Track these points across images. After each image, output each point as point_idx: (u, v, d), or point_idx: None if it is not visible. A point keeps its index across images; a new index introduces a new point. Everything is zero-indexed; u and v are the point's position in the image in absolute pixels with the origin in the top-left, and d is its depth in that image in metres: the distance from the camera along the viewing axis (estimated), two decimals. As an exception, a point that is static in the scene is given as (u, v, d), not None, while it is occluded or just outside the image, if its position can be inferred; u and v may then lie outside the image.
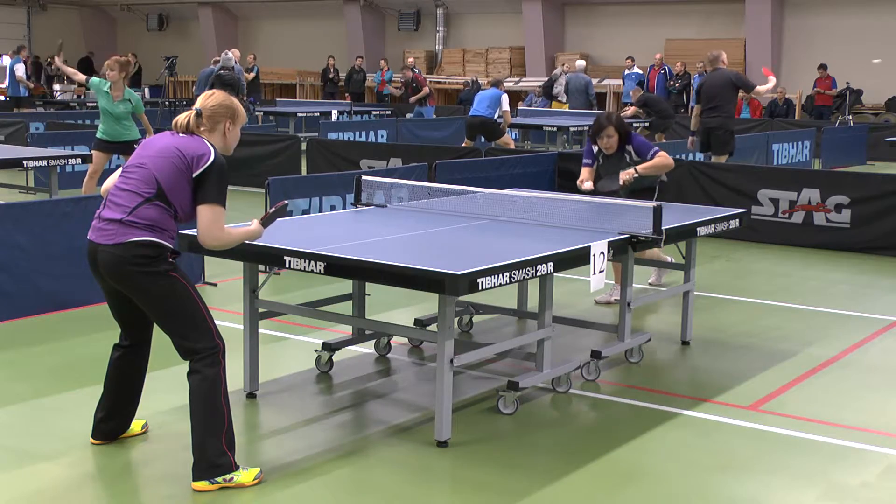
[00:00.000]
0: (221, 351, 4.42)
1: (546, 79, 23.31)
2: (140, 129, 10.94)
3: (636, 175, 7.40)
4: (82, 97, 25.37)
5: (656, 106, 18.02)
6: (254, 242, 4.96)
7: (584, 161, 7.78)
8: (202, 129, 4.47)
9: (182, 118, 4.49)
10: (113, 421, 4.82)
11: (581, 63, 21.83)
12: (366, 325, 5.97)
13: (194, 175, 4.31)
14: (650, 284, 8.36)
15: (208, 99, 4.53)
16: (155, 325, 4.58)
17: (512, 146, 15.67)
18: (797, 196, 10.72)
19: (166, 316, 4.40)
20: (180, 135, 4.45)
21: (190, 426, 4.38)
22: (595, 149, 7.67)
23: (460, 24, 30.66)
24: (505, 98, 15.36)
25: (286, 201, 4.83)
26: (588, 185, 7.58)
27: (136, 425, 4.93)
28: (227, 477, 4.36)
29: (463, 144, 15.79)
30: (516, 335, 6.84)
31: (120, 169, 4.56)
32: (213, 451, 4.34)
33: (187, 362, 4.41)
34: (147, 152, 4.44)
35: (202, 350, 4.37)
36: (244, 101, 18.61)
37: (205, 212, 4.32)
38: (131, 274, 4.31)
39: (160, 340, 4.63)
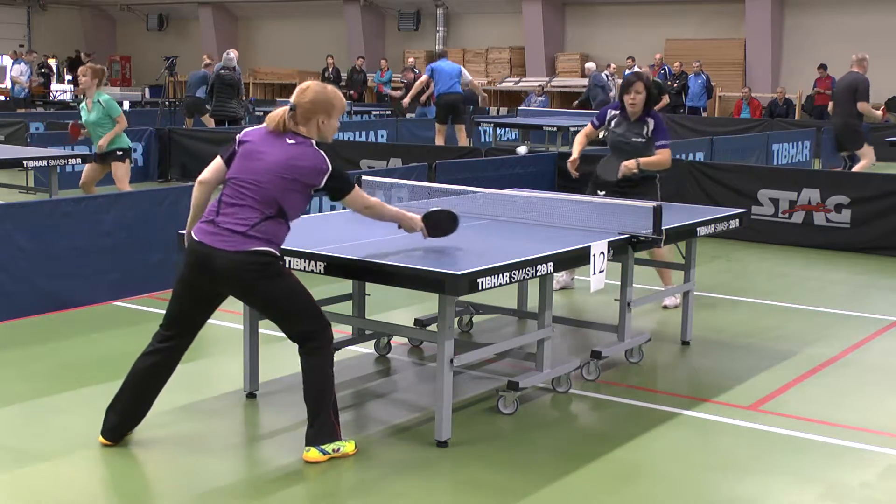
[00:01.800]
0: (329, 327, 4.69)
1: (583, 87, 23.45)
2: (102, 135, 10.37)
3: (636, 171, 7.41)
4: (82, 97, 25.37)
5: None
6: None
7: (592, 119, 7.95)
8: (298, 124, 4.57)
9: (277, 116, 4.57)
10: (130, 420, 4.79)
11: (592, 65, 22.39)
12: (366, 325, 5.97)
13: (318, 188, 4.57)
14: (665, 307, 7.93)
15: (304, 93, 4.58)
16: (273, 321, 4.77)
17: (462, 137, 15.94)
18: (797, 196, 10.71)
19: (287, 311, 4.61)
20: (290, 142, 4.55)
21: (305, 400, 4.64)
22: (611, 114, 7.72)
23: (460, 24, 30.67)
24: (465, 70, 15.76)
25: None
26: (522, 150, 8.16)
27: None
28: (335, 448, 4.64)
29: (437, 136, 15.90)
30: (516, 335, 6.84)
31: (218, 161, 4.67)
32: (326, 419, 4.61)
33: (298, 345, 4.67)
34: (261, 167, 4.51)
35: (319, 332, 4.64)
36: (244, 101, 18.61)
37: (352, 202, 4.72)
38: (252, 280, 4.50)
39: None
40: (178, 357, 4.82)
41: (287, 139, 4.56)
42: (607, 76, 21.95)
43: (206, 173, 4.72)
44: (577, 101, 23.02)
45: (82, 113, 10.23)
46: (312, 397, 4.63)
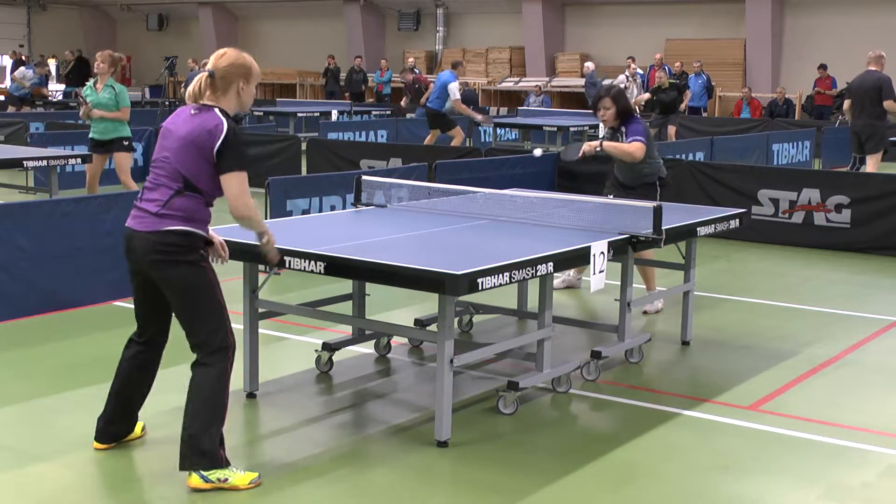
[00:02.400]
0: (232, 348, 4.48)
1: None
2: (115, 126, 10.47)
3: (599, 150, 7.45)
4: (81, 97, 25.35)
5: (665, 96, 18.23)
6: (249, 241, 5.01)
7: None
8: (217, 91, 4.43)
9: (194, 84, 4.43)
10: (120, 424, 4.79)
11: (591, 65, 22.54)
12: (366, 325, 5.97)
13: (214, 151, 4.31)
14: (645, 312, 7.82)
15: (220, 59, 4.46)
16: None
17: (457, 141, 15.67)
18: (797, 196, 10.71)
19: (188, 305, 4.43)
20: (193, 113, 4.40)
21: (184, 417, 4.38)
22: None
23: (460, 24, 30.66)
24: (453, 86, 15.33)
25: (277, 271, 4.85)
26: (538, 151, 8.40)
27: (136, 428, 4.91)
28: (222, 477, 4.35)
29: (426, 140, 15.88)
30: (516, 335, 6.83)
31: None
32: (205, 441, 4.33)
33: (195, 355, 4.45)
34: (169, 143, 4.41)
35: (214, 343, 4.42)
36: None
37: (231, 180, 4.33)
38: (163, 261, 4.35)
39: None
40: (154, 357, 4.72)
41: (191, 110, 4.41)
42: (628, 76, 21.98)
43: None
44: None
45: (88, 92, 10.27)
46: (189, 415, 4.36)
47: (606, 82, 26.40)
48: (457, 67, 15.95)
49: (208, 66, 4.46)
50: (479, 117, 16.58)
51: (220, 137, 4.30)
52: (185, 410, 4.40)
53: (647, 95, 18.94)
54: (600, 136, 8.03)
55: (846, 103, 13.71)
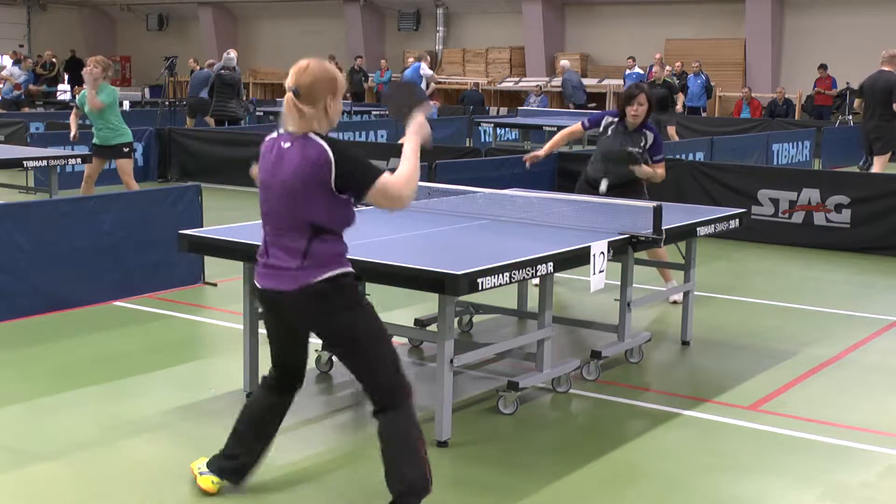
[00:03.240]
0: (408, 391, 4.08)
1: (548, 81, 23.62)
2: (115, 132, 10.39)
3: (638, 168, 7.49)
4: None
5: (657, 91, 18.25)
6: (249, 241, 5.03)
7: (584, 120, 7.99)
8: (304, 107, 3.87)
9: (286, 107, 3.93)
10: (248, 462, 4.39)
11: (566, 63, 22.80)
12: (366, 325, 5.96)
13: (333, 186, 3.84)
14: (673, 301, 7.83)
15: (303, 74, 3.89)
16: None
17: None
18: (797, 196, 10.71)
19: (353, 358, 4.07)
20: (285, 147, 3.91)
21: (386, 478, 4.09)
22: (607, 120, 7.73)
23: (460, 24, 30.66)
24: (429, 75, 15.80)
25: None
26: (538, 152, 8.01)
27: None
28: None
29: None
30: (516, 335, 6.83)
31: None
32: (415, 485, 4.06)
33: (374, 412, 4.10)
34: (276, 192, 3.94)
35: (389, 396, 4.04)
36: (244, 101, 18.62)
37: (377, 192, 3.87)
38: (323, 314, 3.98)
39: (158, 341, 4.62)
40: (289, 401, 4.39)
41: (282, 144, 3.93)
42: (673, 75, 22.06)
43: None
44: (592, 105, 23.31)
45: (82, 107, 10.27)
46: (389, 472, 4.06)
47: (605, 81, 26.50)
48: (422, 61, 16.19)
49: (289, 84, 3.92)
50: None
51: (333, 167, 3.82)
52: (386, 471, 4.08)
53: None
54: (599, 135, 7.96)
55: (856, 102, 13.65)
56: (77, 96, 10.53)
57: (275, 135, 4.02)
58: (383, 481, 4.47)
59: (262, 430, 4.37)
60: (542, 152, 8.03)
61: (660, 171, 7.63)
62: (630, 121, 7.62)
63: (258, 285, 4.09)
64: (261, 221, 4.09)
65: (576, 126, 8.02)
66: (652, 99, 7.66)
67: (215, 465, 4.36)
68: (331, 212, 3.91)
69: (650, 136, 7.64)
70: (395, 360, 4.07)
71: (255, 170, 4.16)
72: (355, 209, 3.98)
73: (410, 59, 25.13)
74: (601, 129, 7.78)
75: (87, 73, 10.10)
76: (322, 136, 3.90)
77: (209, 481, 4.33)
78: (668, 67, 20.41)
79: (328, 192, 3.86)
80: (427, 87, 15.64)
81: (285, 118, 3.95)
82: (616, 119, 7.73)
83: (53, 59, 27.05)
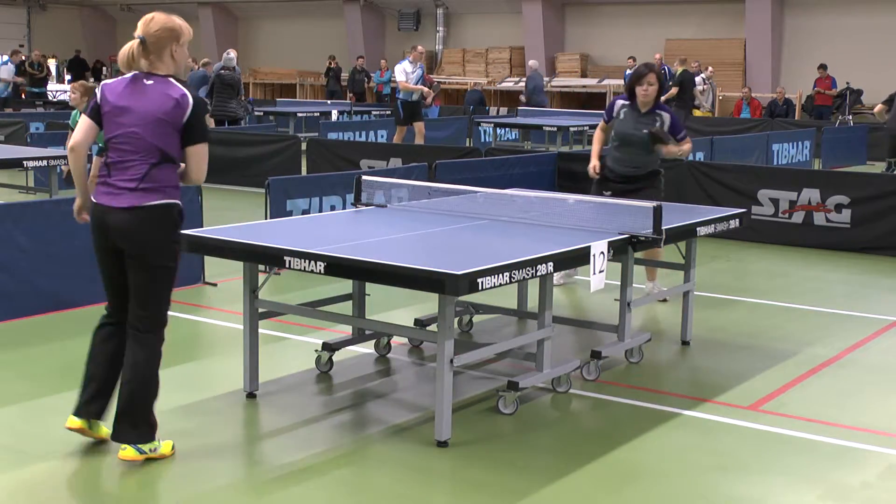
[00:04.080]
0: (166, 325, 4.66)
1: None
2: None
3: (668, 143, 7.47)
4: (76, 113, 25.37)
5: (688, 89, 18.27)
6: (249, 241, 5.14)
7: (603, 116, 7.98)
8: (151, 56, 4.47)
9: (125, 51, 4.47)
10: (97, 400, 4.78)
11: (535, 63, 23.60)
12: (366, 325, 5.97)
13: (183, 123, 4.44)
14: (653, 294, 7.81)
15: (149, 24, 4.49)
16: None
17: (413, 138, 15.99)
18: (797, 196, 10.71)
19: (158, 282, 4.53)
20: (147, 83, 4.45)
21: (120, 392, 4.57)
22: (619, 104, 7.69)
23: (460, 24, 30.67)
24: (398, 69, 15.91)
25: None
26: (595, 160, 7.73)
27: (104, 429, 4.79)
28: (152, 447, 4.57)
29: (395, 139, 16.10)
30: (516, 335, 6.83)
31: (86, 120, 4.54)
32: (143, 416, 4.54)
33: (138, 330, 4.56)
34: (130, 120, 4.45)
35: (161, 321, 4.60)
36: (243, 101, 18.60)
37: (197, 152, 4.50)
38: (146, 236, 4.46)
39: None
40: (124, 337, 4.75)
41: (144, 81, 4.47)
42: (704, 79, 22.10)
43: (77, 136, 4.61)
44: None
45: (74, 121, 10.37)
46: (128, 391, 4.55)
47: (605, 81, 26.51)
48: (411, 52, 16.26)
49: (138, 33, 4.49)
50: (425, 90, 16.60)
51: (189, 109, 4.43)
52: (122, 387, 4.56)
53: (675, 90, 19.11)
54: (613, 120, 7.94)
55: (878, 107, 13.63)
56: (71, 117, 10.62)
57: (126, 76, 4.53)
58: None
59: (113, 366, 4.72)
60: (596, 162, 7.79)
61: (686, 146, 7.60)
62: (640, 100, 7.54)
63: (93, 200, 4.57)
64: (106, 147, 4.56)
65: (600, 126, 8.00)
66: (662, 78, 7.58)
67: (81, 411, 4.76)
68: (176, 145, 4.48)
69: (665, 117, 7.56)
70: (169, 298, 4.62)
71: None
72: None
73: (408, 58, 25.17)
74: (615, 114, 7.74)
75: (71, 101, 10.30)
76: (183, 83, 4.49)
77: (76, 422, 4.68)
78: (665, 68, 20.47)
79: (177, 128, 4.45)
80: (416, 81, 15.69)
81: (130, 63, 4.47)
82: (627, 102, 7.67)
83: (41, 60, 26.97)
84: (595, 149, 7.92)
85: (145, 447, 4.55)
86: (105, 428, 4.80)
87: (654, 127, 7.48)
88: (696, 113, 21.91)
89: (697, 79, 22.09)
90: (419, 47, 16.66)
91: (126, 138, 4.47)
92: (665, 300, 7.78)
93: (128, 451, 4.53)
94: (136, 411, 4.54)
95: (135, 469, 4.60)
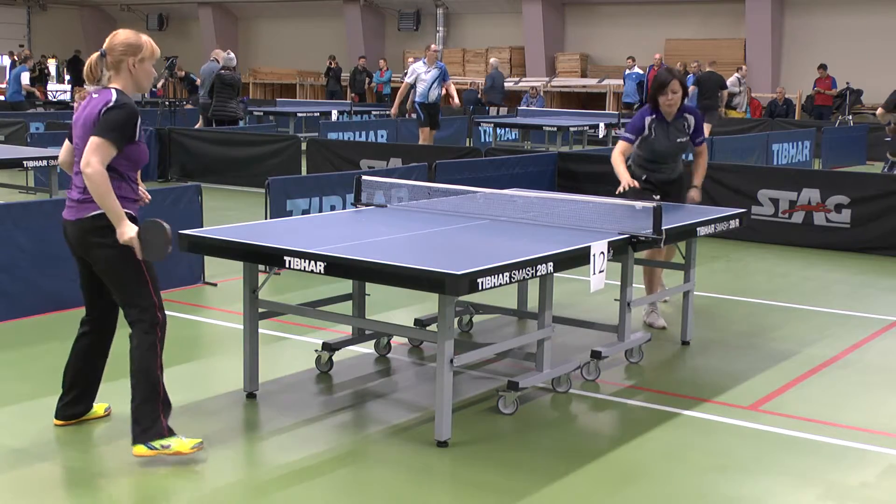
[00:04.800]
0: (160, 323, 4.63)
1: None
2: None
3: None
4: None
5: (708, 86, 18.12)
6: (249, 241, 5.14)
7: (626, 135, 7.21)
8: (109, 70, 4.55)
9: (87, 62, 4.59)
10: (75, 401, 4.97)
11: (495, 61, 24.25)
12: (366, 325, 5.97)
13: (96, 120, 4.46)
14: (650, 324, 7.38)
15: (113, 38, 4.58)
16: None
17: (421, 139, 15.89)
18: (797, 196, 10.71)
19: (119, 281, 4.61)
20: (94, 97, 4.54)
21: (131, 389, 4.59)
22: (648, 121, 7.14)
23: (460, 24, 30.67)
24: (410, 70, 15.65)
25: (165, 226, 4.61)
26: (627, 177, 6.87)
27: (98, 408, 5.08)
28: (164, 444, 4.55)
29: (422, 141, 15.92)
30: (516, 335, 6.84)
31: (67, 143, 4.79)
32: (144, 412, 4.54)
33: (130, 328, 4.63)
34: (77, 131, 4.59)
35: (146, 315, 4.60)
36: (239, 100, 18.57)
37: (92, 143, 4.41)
38: (92, 245, 4.57)
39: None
40: (103, 338, 4.95)
41: (93, 95, 4.57)
42: (740, 79, 22.08)
43: (60, 156, 4.89)
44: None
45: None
46: (132, 392, 4.61)
47: (605, 81, 26.48)
48: (426, 52, 15.97)
49: (103, 47, 4.59)
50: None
51: (104, 109, 4.44)
52: (132, 384, 4.60)
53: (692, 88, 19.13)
54: (599, 135, 7.92)
55: (879, 110, 13.54)
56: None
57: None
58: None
59: (93, 370, 4.94)
60: (628, 177, 6.91)
61: (706, 157, 7.51)
62: (667, 110, 7.11)
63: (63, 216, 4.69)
64: None
65: (623, 146, 7.15)
66: (685, 84, 7.24)
67: (61, 413, 4.95)
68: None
69: (692, 120, 7.26)
70: (151, 294, 4.61)
71: None
72: None
73: (410, 59, 25.17)
74: (646, 132, 7.16)
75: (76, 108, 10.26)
76: (118, 91, 4.51)
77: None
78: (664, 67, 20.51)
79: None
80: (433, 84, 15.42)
81: (90, 75, 4.56)
82: (653, 116, 7.16)
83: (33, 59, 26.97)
84: (621, 169, 6.98)
85: (155, 443, 4.55)
86: (99, 408, 5.08)
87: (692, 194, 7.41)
88: (732, 114, 21.76)
89: (732, 79, 22.05)
90: (433, 46, 16.31)
91: (76, 149, 4.60)
92: (666, 300, 7.79)
93: (137, 448, 4.56)
94: (138, 408, 4.56)
95: (135, 469, 4.61)
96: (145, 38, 4.63)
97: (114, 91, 4.52)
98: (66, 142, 4.79)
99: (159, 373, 4.60)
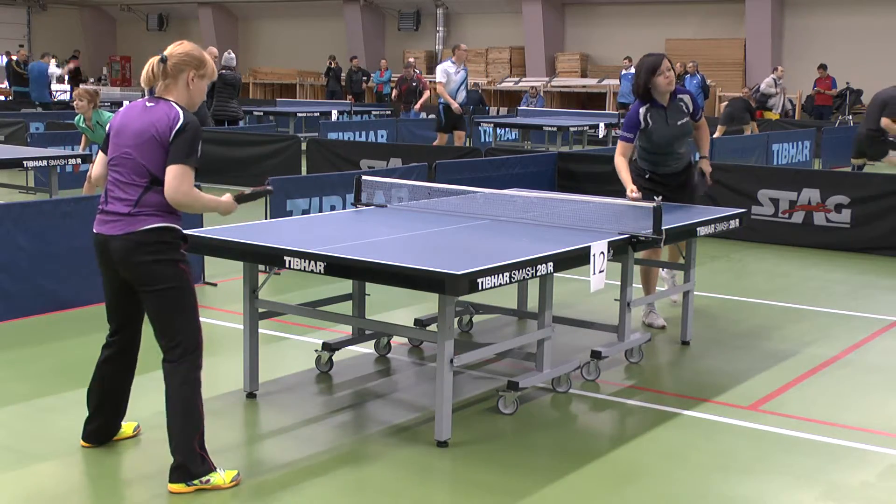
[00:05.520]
0: (202, 348, 4.46)
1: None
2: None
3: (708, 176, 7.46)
4: (81, 120, 25.33)
5: (737, 114, 17.73)
6: (249, 241, 5.11)
7: (624, 135, 7.00)
8: (167, 79, 4.38)
9: (146, 66, 4.41)
10: (104, 424, 4.78)
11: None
12: (366, 325, 5.97)
13: (169, 142, 4.28)
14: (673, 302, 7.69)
15: (176, 47, 4.45)
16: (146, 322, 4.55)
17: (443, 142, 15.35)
18: (797, 196, 10.71)
19: (170, 306, 4.37)
20: (148, 105, 4.36)
21: (167, 428, 4.37)
22: (642, 112, 6.94)
23: (460, 24, 30.67)
24: (440, 70, 15.06)
25: (270, 186, 5.03)
26: (635, 194, 6.65)
27: (127, 427, 4.90)
28: (204, 479, 4.34)
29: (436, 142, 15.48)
30: (516, 335, 6.84)
31: (101, 155, 4.54)
32: (183, 452, 4.33)
33: (167, 361, 4.41)
34: (125, 140, 4.35)
35: (191, 352, 4.39)
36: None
37: (171, 172, 4.25)
38: (145, 262, 4.31)
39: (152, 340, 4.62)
40: (130, 357, 4.72)
41: (146, 103, 4.38)
42: (776, 79, 22.05)
43: (95, 170, 4.60)
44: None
45: (87, 133, 10.38)
46: (170, 428, 4.38)
47: (605, 81, 26.48)
48: (454, 52, 15.27)
49: (164, 52, 4.43)
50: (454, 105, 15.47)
51: (176, 127, 4.26)
52: (167, 423, 4.37)
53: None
54: (599, 135, 7.90)
55: (884, 121, 13.48)
56: (75, 120, 10.57)
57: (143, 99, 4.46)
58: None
59: (120, 391, 4.74)
60: (634, 187, 6.75)
61: (707, 130, 7.47)
62: (666, 88, 6.89)
63: (94, 230, 4.44)
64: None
65: (623, 148, 6.97)
66: (673, 65, 7.10)
67: (92, 437, 4.76)
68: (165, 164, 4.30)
69: (688, 99, 7.14)
70: (198, 320, 4.46)
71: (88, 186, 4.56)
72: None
73: (411, 59, 25.17)
74: (643, 124, 6.96)
75: (77, 108, 10.24)
76: (182, 107, 4.36)
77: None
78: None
79: (165, 148, 4.29)
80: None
81: (149, 79, 4.40)
82: (646, 106, 6.97)
83: (27, 59, 26.91)
84: (625, 175, 6.86)
85: (194, 480, 4.34)
86: (127, 427, 4.90)
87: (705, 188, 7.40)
88: (768, 115, 21.68)
89: (769, 79, 22.02)
90: (462, 46, 15.57)
91: (120, 160, 4.36)
92: (674, 300, 7.67)
93: (175, 486, 4.33)
94: (178, 447, 4.33)
95: (135, 469, 4.61)
96: (209, 57, 4.53)
97: (177, 107, 4.34)
98: (101, 153, 4.53)
99: (202, 409, 4.41)
